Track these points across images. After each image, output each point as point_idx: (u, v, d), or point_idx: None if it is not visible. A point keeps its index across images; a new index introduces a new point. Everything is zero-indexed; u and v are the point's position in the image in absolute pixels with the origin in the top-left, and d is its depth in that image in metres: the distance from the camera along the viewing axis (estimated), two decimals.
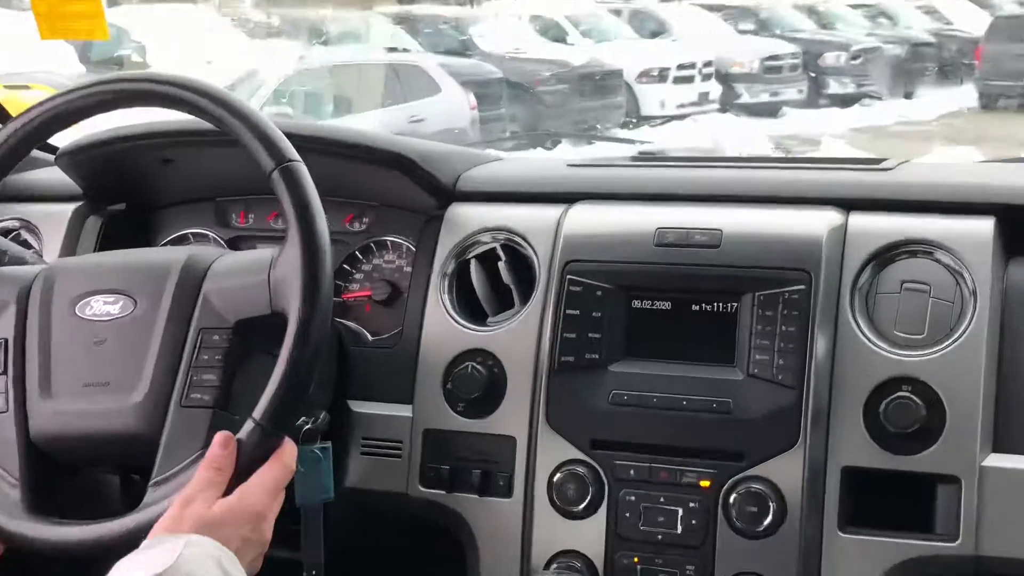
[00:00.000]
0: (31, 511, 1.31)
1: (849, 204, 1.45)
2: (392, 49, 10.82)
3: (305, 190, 1.31)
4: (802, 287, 1.37)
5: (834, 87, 13.10)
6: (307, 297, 1.28)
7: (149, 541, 1.15)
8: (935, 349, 1.34)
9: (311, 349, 1.28)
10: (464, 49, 11.63)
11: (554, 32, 13.05)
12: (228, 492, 1.22)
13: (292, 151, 1.33)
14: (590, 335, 1.44)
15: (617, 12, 14.32)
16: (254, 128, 1.34)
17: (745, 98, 12.52)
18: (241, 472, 1.25)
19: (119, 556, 1.22)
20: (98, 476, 1.54)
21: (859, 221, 1.43)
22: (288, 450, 1.28)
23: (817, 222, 1.42)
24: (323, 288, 1.30)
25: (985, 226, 1.40)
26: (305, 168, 1.32)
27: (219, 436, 1.24)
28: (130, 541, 1.23)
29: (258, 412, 1.26)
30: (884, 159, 1.58)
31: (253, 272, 1.36)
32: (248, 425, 1.26)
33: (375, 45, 10.73)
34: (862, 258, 1.40)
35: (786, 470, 1.34)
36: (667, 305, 1.43)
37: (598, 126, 10.70)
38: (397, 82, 9.13)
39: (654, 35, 13.16)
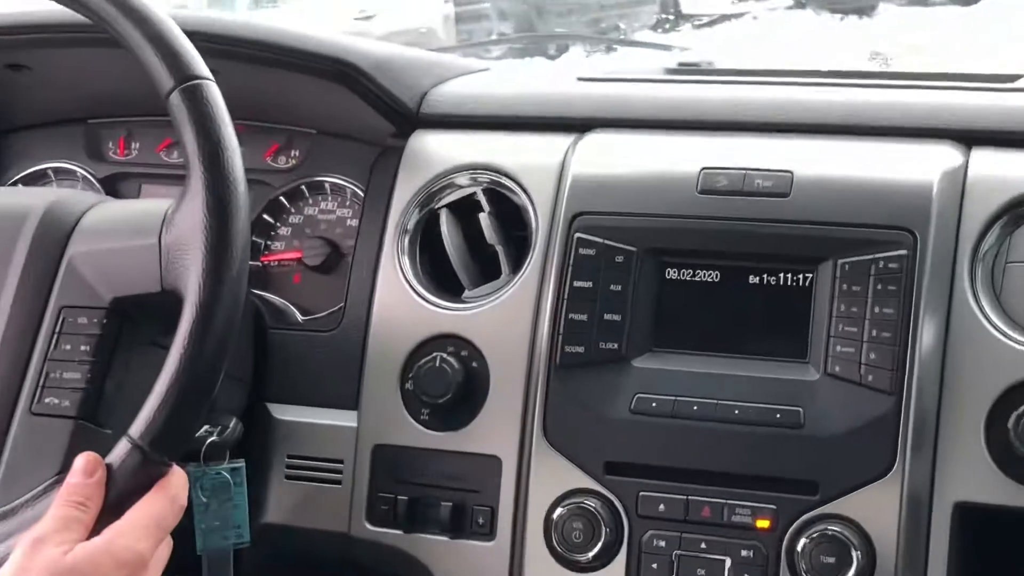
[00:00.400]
0: None
1: (971, 138, 1.45)
2: None
3: (215, 119, 1.29)
4: (903, 253, 1.37)
5: None
6: (212, 270, 1.26)
7: None
8: None
9: (215, 343, 1.26)
10: None
11: None
12: (94, 533, 1.19)
13: (201, 65, 1.31)
14: (607, 317, 1.44)
15: None
16: (150, 31, 1.31)
17: None
18: (110, 507, 1.22)
19: None
20: None
21: (984, 161, 1.43)
22: (176, 478, 1.25)
23: (926, 163, 1.42)
24: (235, 257, 1.28)
25: None
26: (216, 89, 1.31)
27: (81, 459, 1.21)
28: None
29: (136, 429, 1.23)
30: (1019, 75, 1.57)
31: (139, 232, 1.34)
32: (122, 445, 1.23)
33: None
34: (988, 213, 1.40)
35: (876, 507, 1.34)
36: (714, 276, 1.44)
37: (621, 25, 10.68)
38: None
39: None
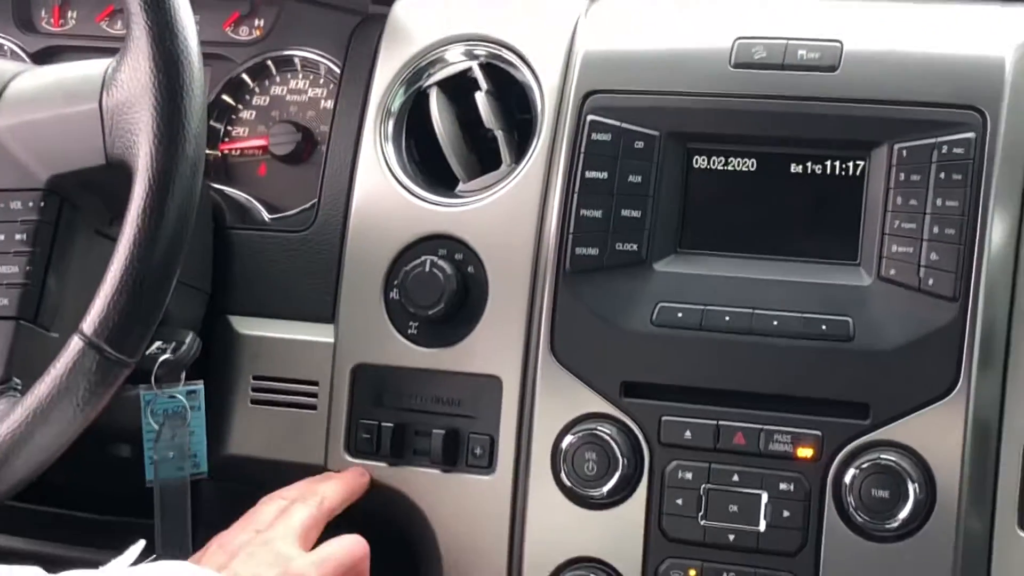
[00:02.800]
0: None
1: None
2: None
3: None
4: (971, 136, 1.37)
5: None
6: (165, 133, 1.27)
7: None
8: None
9: (173, 218, 1.27)
10: None
11: None
12: None
13: None
14: (624, 213, 1.44)
15: None
16: None
17: None
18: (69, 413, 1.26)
19: None
20: None
21: None
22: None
23: (999, 30, 1.42)
24: (191, 116, 1.29)
25: None
26: None
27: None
28: None
29: (90, 324, 1.25)
30: None
31: (75, 97, 1.35)
32: (74, 344, 1.25)
33: None
34: None
35: (937, 432, 1.35)
36: (750, 164, 1.44)
37: None
38: None
39: None
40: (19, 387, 1.32)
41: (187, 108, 1.28)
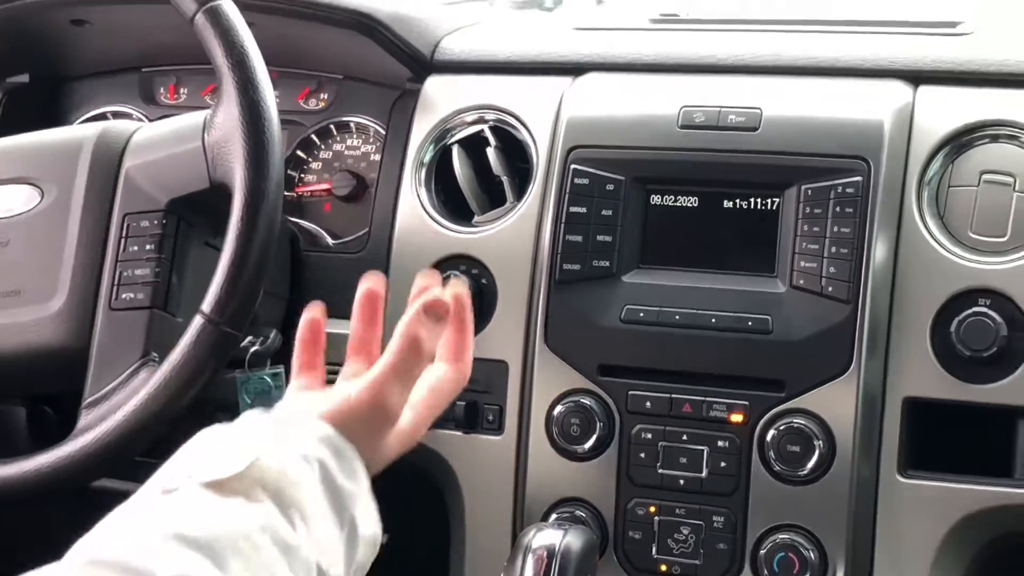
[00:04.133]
0: None
1: (917, 77, 1.44)
2: None
3: (237, 31, 1.31)
4: (859, 179, 1.36)
5: None
6: (254, 159, 1.28)
7: None
8: (1019, 256, 1.34)
9: (265, 222, 1.29)
10: None
11: None
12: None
13: None
14: (599, 238, 1.43)
15: None
16: None
17: None
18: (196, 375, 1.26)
19: (63, 490, 1.29)
20: (2, 410, 1.57)
21: (929, 97, 1.42)
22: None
23: (878, 99, 1.42)
24: (272, 147, 1.30)
25: None
26: (235, 7, 1.32)
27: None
28: (72, 473, 1.28)
29: (207, 305, 1.26)
30: (961, 21, 1.55)
31: (184, 139, 1.36)
32: (197, 321, 1.26)
33: None
34: (932, 143, 1.39)
35: (836, 402, 1.34)
36: (693, 201, 1.43)
37: None
38: None
39: None
40: (156, 359, 1.31)
41: (268, 140, 1.30)
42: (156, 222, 1.36)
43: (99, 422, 1.28)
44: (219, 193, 1.32)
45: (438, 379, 1.16)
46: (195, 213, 1.38)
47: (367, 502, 1.02)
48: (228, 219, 1.29)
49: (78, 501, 1.33)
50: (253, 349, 1.44)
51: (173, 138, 1.38)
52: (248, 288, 1.28)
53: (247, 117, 1.29)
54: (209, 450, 0.97)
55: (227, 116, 1.31)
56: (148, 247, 1.36)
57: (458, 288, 1.19)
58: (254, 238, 1.27)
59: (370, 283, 1.20)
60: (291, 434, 0.98)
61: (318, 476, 0.96)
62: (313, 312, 1.21)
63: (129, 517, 0.92)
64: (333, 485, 0.97)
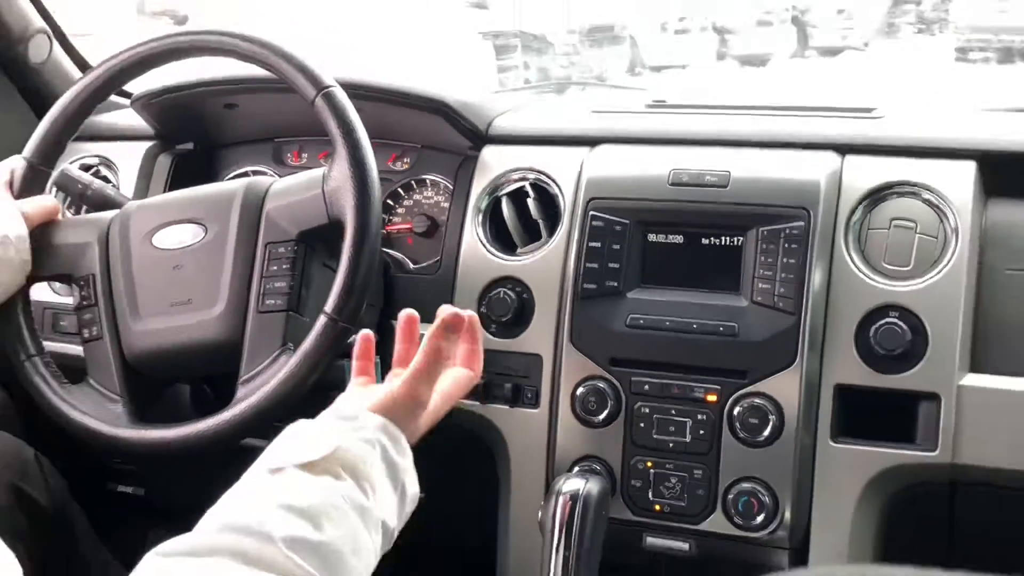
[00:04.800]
0: (133, 419, 1.36)
1: (844, 149, 1.45)
2: None
3: (346, 110, 1.33)
4: (801, 223, 1.37)
5: (818, 39, 12.95)
6: (361, 202, 1.30)
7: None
8: (920, 280, 1.34)
9: (370, 247, 1.30)
10: (481, 3, 11.48)
11: None
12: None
13: (330, 78, 1.35)
14: (610, 265, 1.44)
15: None
16: (295, 63, 1.36)
17: (736, 50, 12.38)
18: (321, 358, 1.29)
19: (221, 447, 1.30)
20: (170, 389, 1.58)
21: (853, 164, 1.43)
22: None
23: (815, 165, 1.42)
24: (373, 193, 1.31)
25: (967, 170, 1.39)
26: (343, 91, 1.34)
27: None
28: (230, 434, 1.30)
29: (329, 306, 1.28)
30: (874, 108, 1.57)
31: (309, 188, 1.37)
32: (321, 319, 1.28)
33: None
34: (855, 197, 1.40)
35: (785, 387, 1.34)
36: (679, 239, 1.43)
37: (603, 75, 10.63)
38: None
39: None
40: (291, 348, 1.32)
41: (370, 189, 1.31)
42: (289, 249, 1.36)
43: (251, 394, 1.30)
44: (335, 227, 1.32)
45: (456, 377, 1.26)
46: (317, 242, 1.38)
47: (412, 471, 1.10)
48: (342, 246, 1.30)
49: (227, 456, 1.36)
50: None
51: (300, 188, 1.38)
52: (358, 295, 1.29)
53: (355, 172, 1.31)
54: (300, 440, 1.04)
55: (340, 171, 1.32)
56: (284, 267, 1.36)
57: (470, 312, 1.27)
58: (362, 259, 1.29)
59: (408, 311, 1.30)
60: (357, 425, 1.06)
61: (379, 456, 1.05)
62: (365, 335, 1.30)
63: (247, 492, 0.99)
64: (390, 461, 1.06)
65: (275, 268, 1.36)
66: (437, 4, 11.15)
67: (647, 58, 11.42)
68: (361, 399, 1.15)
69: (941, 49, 12.39)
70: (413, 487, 1.10)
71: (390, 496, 1.04)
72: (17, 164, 1.45)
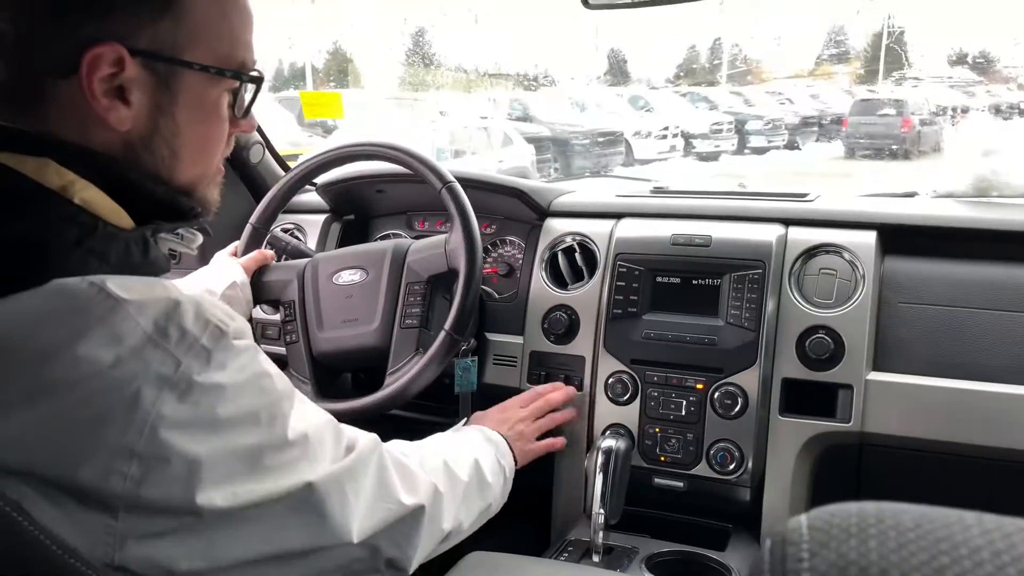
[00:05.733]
0: (317, 396, 1.38)
1: (788, 221, 1.45)
2: (483, 117, 10.73)
3: (463, 197, 1.36)
4: (760, 271, 1.37)
5: (753, 142, 12.84)
6: (469, 258, 1.33)
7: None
8: (840, 309, 1.34)
9: (474, 288, 1.32)
10: (527, 117, 11.52)
11: (580, 107, 12.89)
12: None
13: (449, 175, 1.37)
14: (631, 297, 1.44)
15: (620, 95, 14.13)
16: (428, 166, 1.38)
17: (697, 149, 12.30)
18: (442, 359, 1.32)
19: (372, 415, 1.31)
20: (340, 376, 1.60)
21: (794, 231, 1.43)
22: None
23: (769, 232, 1.42)
24: (478, 254, 1.34)
25: (870, 236, 1.39)
26: (459, 185, 1.37)
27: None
28: (384, 404, 1.32)
29: (448, 325, 1.30)
30: (807, 193, 1.56)
31: (435, 247, 1.39)
32: (442, 335, 1.30)
33: (474, 115, 10.67)
34: (796, 253, 1.39)
35: (749, 379, 1.34)
36: (678, 280, 1.43)
37: (607, 167, 10.63)
38: (487, 138, 9.07)
39: (644, 109, 12.95)
40: (422, 351, 1.34)
41: (476, 249, 1.34)
42: (422, 287, 1.38)
43: (396, 382, 1.32)
44: (452, 274, 1.35)
45: (538, 426, 1.34)
46: (440, 283, 1.40)
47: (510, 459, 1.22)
48: (456, 286, 1.33)
49: (377, 420, 1.37)
50: (463, 347, 1.44)
51: (430, 247, 1.40)
52: (467, 318, 1.32)
53: (467, 238, 1.33)
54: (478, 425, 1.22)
55: (456, 237, 1.35)
56: (418, 299, 1.38)
57: (566, 396, 1.41)
58: (470, 295, 1.31)
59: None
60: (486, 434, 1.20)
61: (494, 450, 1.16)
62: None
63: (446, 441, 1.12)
64: (499, 450, 1.18)
65: (412, 299, 1.38)
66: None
67: (637, 154, 11.40)
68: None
69: (834, 150, 12.30)
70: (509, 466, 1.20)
71: (494, 461, 1.15)
72: (240, 242, 1.52)
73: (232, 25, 0.70)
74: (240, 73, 0.71)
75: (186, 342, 0.62)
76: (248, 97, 0.74)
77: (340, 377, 1.54)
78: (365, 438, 0.81)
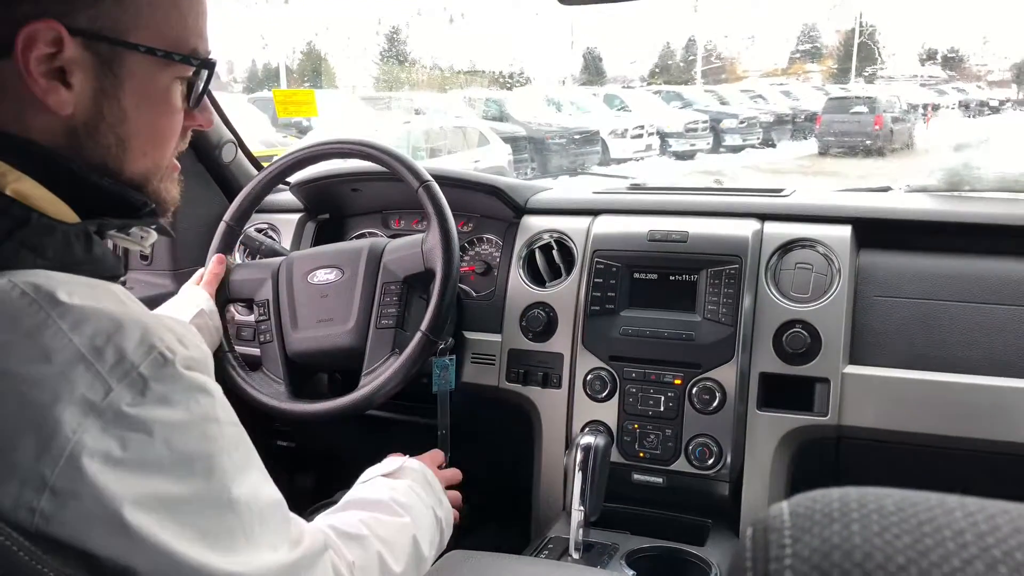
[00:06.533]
0: (291, 397, 1.36)
1: (764, 216, 1.45)
2: (458, 116, 10.71)
3: (440, 197, 1.35)
4: (736, 266, 1.37)
5: (728, 141, 12.94)
6: (446, 259, 1.32)
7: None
8: (816, 303, 1.35)
9: (451, 288, 1.31)
10: (503, 117, 11.51)
11: (557, 106, 12.92)
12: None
13: (428, 175, 1.36)
14: (608, 294, 1.44)
15: (595, 94, 14.18)
16: (406, 165, 1.37)
17: (673, 148, 12.36)
18: (417, 360, 1.29)
19: (348, 416, 1.29)
20: (316, 377, 1.58)
21: (770, 226, 1.43)
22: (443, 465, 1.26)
23: (745, 227, 1.42)
24: (455, 254, 1.32)
25: (845, 230, 1.40)
26: (437, 185, 1.35)
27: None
28: (359, 406, 1.30)
29: (424, 326, 1.29)
30: (783, 189, 1.56)
31: (412, 247, 1.38)
32: (418, 335, 1.29)
33: (449, 115, 10.64)
34: (772, 248, 1.40)
35: (726, 374, 1.35)
36: (655, 276, 1.43)
37: (584, 165, 10.65)
38: (463, 138, 9.05)
39: (619, 108, 13.00)
40: (398, 352, 1.32)
41: (452, 250, 1.32)
42: (398, 287, 1.37)
43: (371, 383, 1.31)
44: (428, 273, 1.34)
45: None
46: (416, 283, 1.38)
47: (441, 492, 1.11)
48: (432, 286, 1.31)
49: (352, 421, 1.36)
50: (440, 346, 1.42)
51: (406, 246, 1.39)
52: (443, 318, 1.30)
53: (443, 239, 1.32)
54: (383, 467, 1.08)
55: (433, 237, 1.33)
56: (394, 299, 1.36)
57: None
58: (446, 296, 1.30)
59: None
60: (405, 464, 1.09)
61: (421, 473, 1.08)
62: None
63: (368, 486, 1.03)
64: (425, 479, 1.07)
65: (388, 299, 1.37)
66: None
67: (613, 153, 11.44)
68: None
69: (808, 148, 12.42)
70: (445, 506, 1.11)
71: (427, 497, 1.06)
72: (214, 240, 1.47)
73: (181, 10, 0.67)
74: (189, 57, 0.67)
75: (122, 367, 0.56)
76: (202, 87, 0.70)
77: (315, 377, 1.52)
78: (313, 536, 0.72)
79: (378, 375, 1.31)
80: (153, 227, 0.72)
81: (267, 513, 0.65)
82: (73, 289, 0.58)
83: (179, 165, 0.73)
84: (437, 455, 1.25)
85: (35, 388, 0.54)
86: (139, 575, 0.56)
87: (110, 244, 0.68)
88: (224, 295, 1.43)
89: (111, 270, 0.64)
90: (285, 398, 1.36)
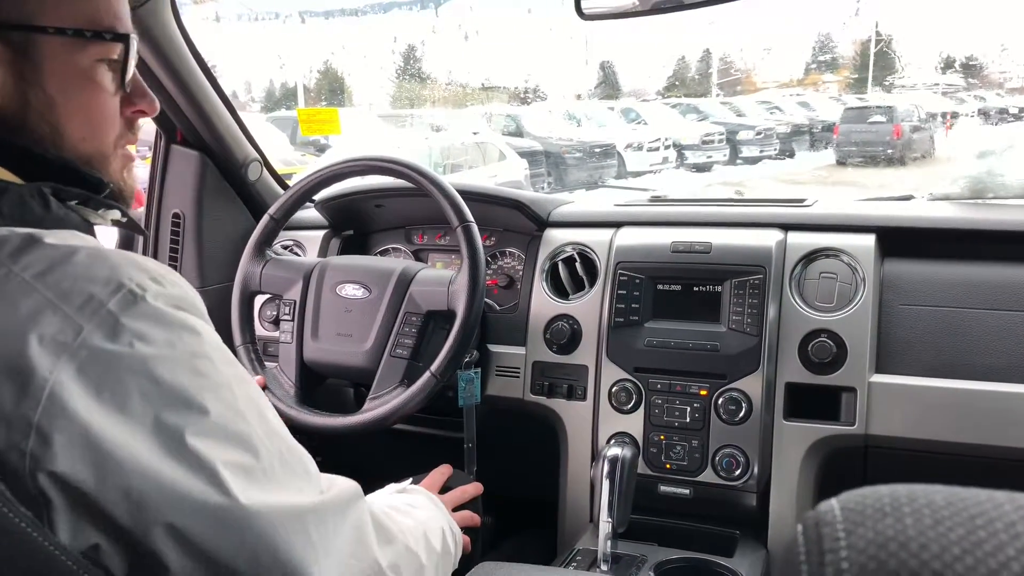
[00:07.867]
0: (300, 403, 1.39)
1: (787, 227, 1.45)
2: (475, 132, 10.76)
3: (477, 241, 1.36)
4: (760, 276, 1.38)
5: (745, 152, 12.92)
6: (469, 304, 1.33)
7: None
8: (841, 312, 1.35)
9: (469, 331, 1.33)
10: (519, 132, 11.56)
11: (576, 121, 12.96)
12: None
13: (469, 214, 1.37)
14: (632, 305, 1.44)
15: (612, 108, 14.21)
16: (451, 201, 1.38)
17: (690, 160, 12.35)
18: (419, 398, 1.31)
19: (349, 435, 1.31)
20: (340, 386, 1.60)
21: (794, 236, 1.43)
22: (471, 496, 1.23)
23: (769, 237, 1.42)
24: (479, 301, 1.34)
25: (869, 239, 1.40)
26: (475, 226, 1.36)
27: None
28: (356, 429, 1.31)
29: (434, 367, 1.31)
30: (805, 198, 1.56)
31: (440, 284, 1.40)
32: (426, 375, 1.31)
33: (467, 130, 10.69)
34: (796, 258, 1.40)
35: (752, 384, 1.35)
36: (679, 287, 1.43)
37: (601, 179, 10.66)
38: (481, 153, 9.09)
39: (635, 121, 13.02)
40: (406, 384, 1.36)
41: (478, 296, 1.34)
42: (419, 319, 1.39)
43: (373, 409, 1.34)
44: (451, 312, 1.36)
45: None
46: (438, 316, 1.41)
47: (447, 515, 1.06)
48: (452, 326, 1.34)
49: (356, 438, 1.38)
50: (466, 360, 1.43)
51: (435, 282, 1.41)
52: (454, 363, 1.34)
53: (471, 284, 1.34)
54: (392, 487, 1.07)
55: (462, 280, 1.36)
56: (413, 330, 1.39)
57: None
58: (463, 340, 1.33)
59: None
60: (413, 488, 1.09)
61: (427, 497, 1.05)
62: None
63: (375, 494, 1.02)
64: (431, 501, 1.05)
65: (407, 329, 1.40)
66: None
67: (630, 166, 11.44)
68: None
69: (826, 158, 12.37)
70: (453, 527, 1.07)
71: (439, 513, 1.04)
72: (256, 231, 1.51)
73: None
74: (101, 33, 0.66)
75: (90, 307, 0.56)
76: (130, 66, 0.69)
77: (327, 385, 1.54)
78: (345, 482, 0.72)
79: (382, 403, 1.35)
80: (124, 219, 0.71)
81: (288, 457, 0.63)
82: (35, 239, 0.58)
83: (135, 156, 0.73)
84: (442, 474, 1.24)
85: (3, 338, 0.54)
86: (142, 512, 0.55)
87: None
88: (253, 287, 1.45)
89: (75, 228, 0.64)
90: (291, 401, 1.40)
